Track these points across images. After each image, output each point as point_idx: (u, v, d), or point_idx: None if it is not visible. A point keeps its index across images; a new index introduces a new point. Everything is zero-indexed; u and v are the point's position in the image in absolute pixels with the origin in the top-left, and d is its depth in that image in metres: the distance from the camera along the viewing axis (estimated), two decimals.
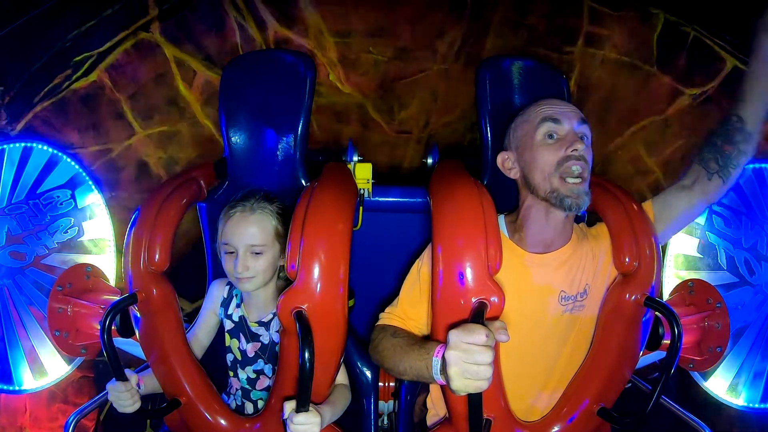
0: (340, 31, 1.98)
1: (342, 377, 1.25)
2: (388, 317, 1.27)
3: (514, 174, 1.26)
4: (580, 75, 1.97)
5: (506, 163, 1.26)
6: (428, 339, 1.15)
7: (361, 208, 1.58)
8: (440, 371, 0.95)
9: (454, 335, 0.87)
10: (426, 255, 1.26)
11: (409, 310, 1.25)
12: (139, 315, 1.21)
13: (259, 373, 1.31)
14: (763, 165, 1.71)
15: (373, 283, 1.49)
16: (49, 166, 1.71)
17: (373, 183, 1.59)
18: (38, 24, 1.62)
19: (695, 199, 1.22)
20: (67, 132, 1.83)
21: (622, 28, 1.87)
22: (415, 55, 2.04)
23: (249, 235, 1.22)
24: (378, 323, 1.28)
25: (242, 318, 1.33)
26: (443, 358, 0.90)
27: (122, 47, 1.81)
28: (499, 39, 2.00)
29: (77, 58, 1.77)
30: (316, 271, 1.03)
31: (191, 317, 1.48)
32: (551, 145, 1.16)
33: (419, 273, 1.25)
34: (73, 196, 1.72)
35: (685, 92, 1.85)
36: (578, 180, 1.13)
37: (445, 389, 1.08)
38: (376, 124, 2.25)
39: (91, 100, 1.84)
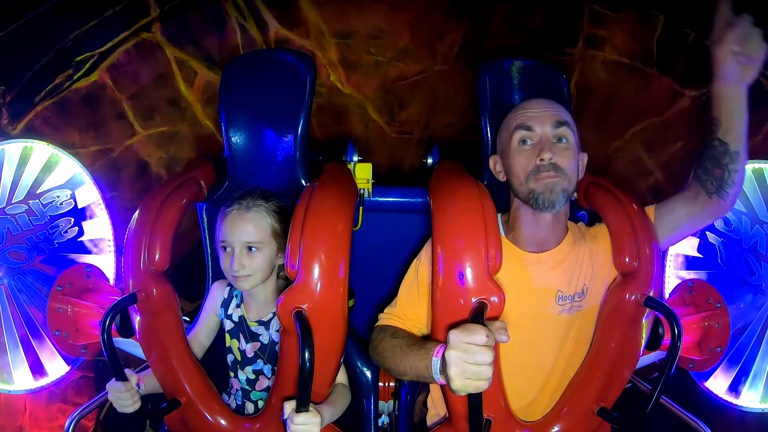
0: (341, 32, 1.99)
1: (342, 377, 1.26)
2: (388, 317, 1.28)
3: (501, 177, 1.29)
4: (580, 76, 1.97)
5: (496, 166, 1.30)
6: (428, 339, 1.15)
7: (361, 208, 1.59)
8: (440, 371, 0.96)
9: (454, 335, 0.87)
10: (424, 254, 1.27)
11: (407, 310, 1.26)
12: (139, 315, 1.21)
13: (259, 373, 1.32)
14: (763, 165, 1.70)
15: (373, 283, 1.50)
16: (49, 165, 1.70)
17: (373, 183, 1.60)
18: (40, 24, 1.61)
19: (698, 214, 1.21)
20: (67, 132, 1.83)
21: (622, 30, 1.86)
22: (416, 56, 2.05)
23: (245, 232, 1.23)
24: (377, 324, 1.29)
25: (242, 318, 1.34)
26: (443, 358, 0.91)
27: (123, 47, 1.81)
28: (499, 40, 2.01)
29: (78, 58, 1.76)
30: (316, 271, 1.04)
31: (191, 317, 1.49)
32: (526, 151, 1.18)
33: (417, 273, 1.26)
34: (73, 196, 1.71)
35: (685, 93, 1.84)
36: (552, 177, 1.14)
37: (445, 389, 1.08)
38: (376, 124, 2.25)
39: (92, 100, 1.84)
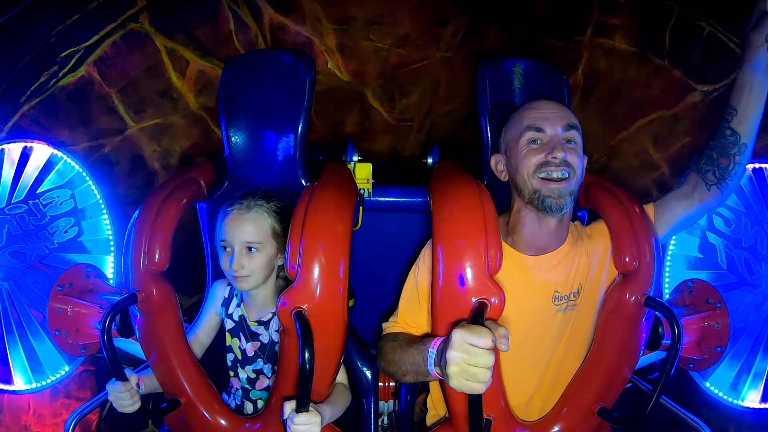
0: (339, 18, 1.98)
1: (342, 377, 1.31)
2: (391, 326, 1.34)
3: (504, 177, 1.32)
4: (587, 65, 1.97)
5: (498, 165, 1.33)
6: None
7: (361, 208, 1.63)
8: (434, 362, 0.99)
9: (458, 334, 0.89)
10: (422, 260, 1.31)
11: (409, 319, 1.31)
12: (139, 315, 1.27)
13: (259, 373, 1.38)
14: (763, 165, 1.74)
15: (373, 283, 1.54)
16: (49, 165, 1.74)
17: (373, 183, 1.64)
18: (21, 21, 1.60)
19: (695, 207, 1.27)
20: (57, 130, 1.84)
21: (633, 19, 1.86)
22: (417, 42, 2.05)
23: (245, 232, 1.28)
24: (382, 334, 1.34)
25: (242, 317, 1.39)
26: (440, 352, 0.94)
27: (110, 40, 1.80)
28: (505, 27, 2.00)
29: (63, 54, 1.75)
30: (316, 271, 1.09)
31: (189, 313, 1.54)
32: (534, 150, 1.22)
33: (416, 280, 1.30)
34: (73, 196, 1.76)
35: (696, 88, 1.84)
36: (560, 182, 1.19)
37: (446, 388, 1.14)
38: (376, 112, 2.25)
39: (80, 95, 1.84)
